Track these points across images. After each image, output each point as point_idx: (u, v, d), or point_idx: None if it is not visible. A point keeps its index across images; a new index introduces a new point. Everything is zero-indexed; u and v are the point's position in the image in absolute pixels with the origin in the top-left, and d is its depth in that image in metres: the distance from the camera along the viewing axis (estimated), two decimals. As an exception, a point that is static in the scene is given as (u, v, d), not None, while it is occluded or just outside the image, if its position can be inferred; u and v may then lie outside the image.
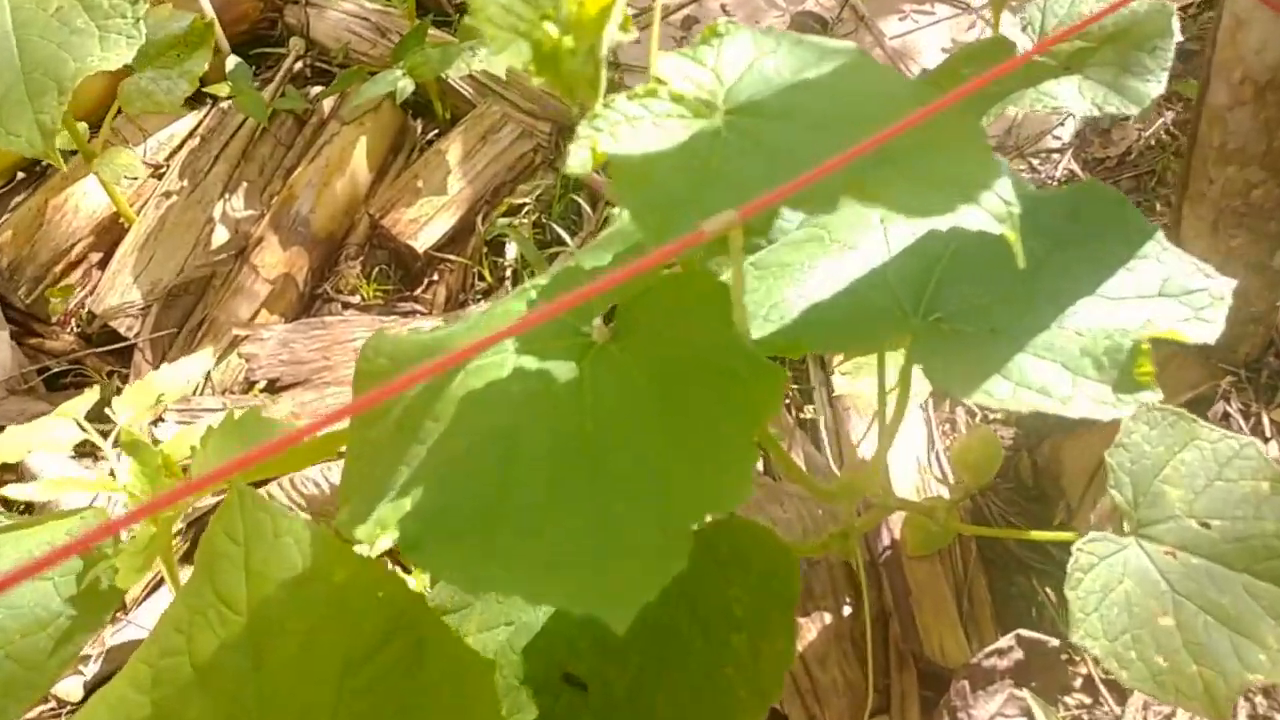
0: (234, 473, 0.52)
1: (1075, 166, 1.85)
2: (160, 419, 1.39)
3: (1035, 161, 1.89)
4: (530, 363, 0.63)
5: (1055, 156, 1.88)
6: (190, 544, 1.25)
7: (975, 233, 0.89)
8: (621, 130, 0.57)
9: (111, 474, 0.98)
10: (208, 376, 1.43)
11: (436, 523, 0.58)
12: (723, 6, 2.24)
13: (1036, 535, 1.07)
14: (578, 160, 0.56)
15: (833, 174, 0.50)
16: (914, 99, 0.59)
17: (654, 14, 0.67)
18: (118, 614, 1.26)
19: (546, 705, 0.80)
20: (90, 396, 1.04)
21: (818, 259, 0.85)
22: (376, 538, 0.59)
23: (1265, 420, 1.43)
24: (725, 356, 0.57)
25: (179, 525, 1.21)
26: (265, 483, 1.29)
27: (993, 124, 1.76)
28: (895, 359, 0.92)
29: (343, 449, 0.77)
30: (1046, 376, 0.72)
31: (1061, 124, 1.86)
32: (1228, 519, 0.96)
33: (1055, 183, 1.83)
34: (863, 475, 0.86)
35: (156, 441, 1.33)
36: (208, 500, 1.21)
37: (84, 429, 0.98)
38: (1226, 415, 1.45)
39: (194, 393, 1.42)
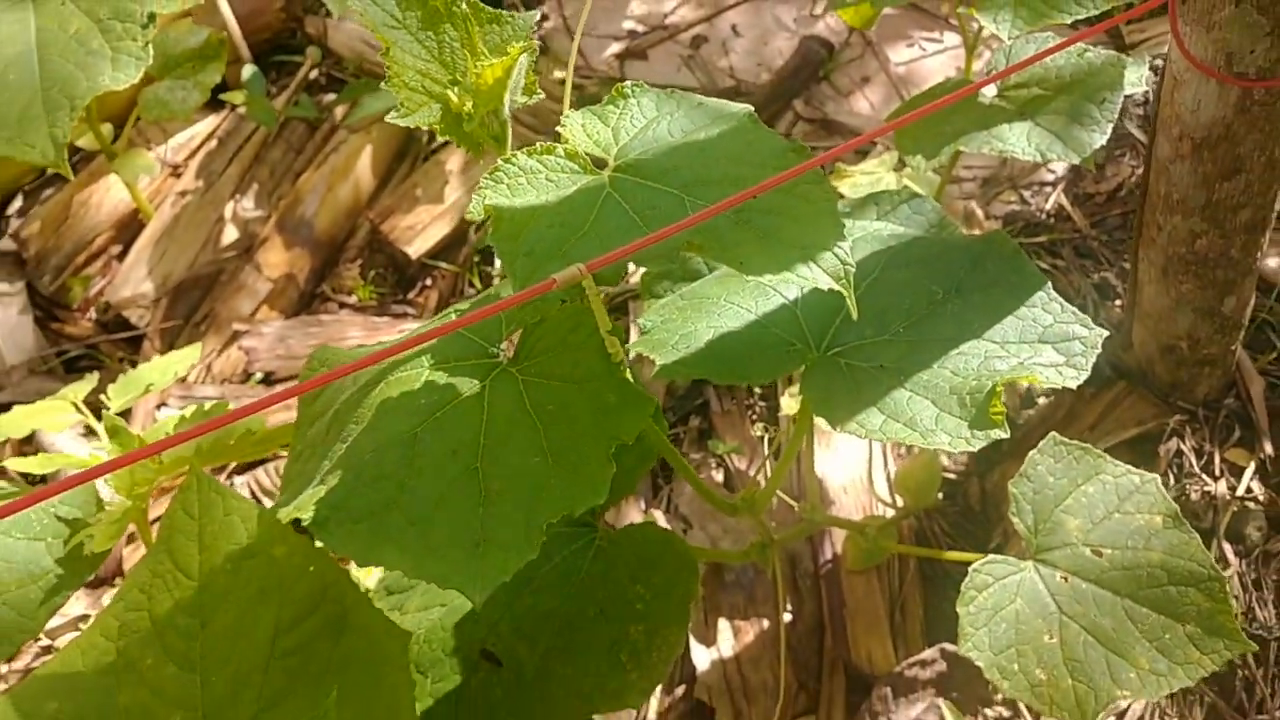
0: (173, 446, 0.62)
1: (1065, 201, 1.89)
2: (164, 404, 1.51)
3: (1027, 194, 1.93)
4: (441, 378, 0.73)
5: (1047, 190, 1.92)
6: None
7: (880, 276, 0.97)
8: (519, 182, 0.66)
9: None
10: (209, 366, 1.54)
11: (341, 508, 0.68)
12: (733, 27, 2.30)
13: (950, 555, 1.14)
14: (475, 208, 0.65)
15: (679, 233, 0.59)
16: (777, 164, 0.68)
17: (568, 73, 0.76)
18: (116, 579, 1.38)
19: (466, 677, 0.90)
20: (89, 382, 1.15)
21: (735, 294, 0.93)
22: (291, 517, 0.69)
23: (1217, 459, 1.48)
24: (599, 387, 0.66)
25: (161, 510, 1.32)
26: (249, 468, 1.40)
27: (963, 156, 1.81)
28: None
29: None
30: (916, 411, 0.80)
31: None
32: (1119, 548, 1.01)
33: (1044, 214, 1.87)
34: (761, 493, 0.94)
35: (156, 423, 1.44)
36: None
37: (81, 412, 1.09)
38: (1180, 453, 1.50)
39: (196, 381, 1.53)
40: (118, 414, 1.14)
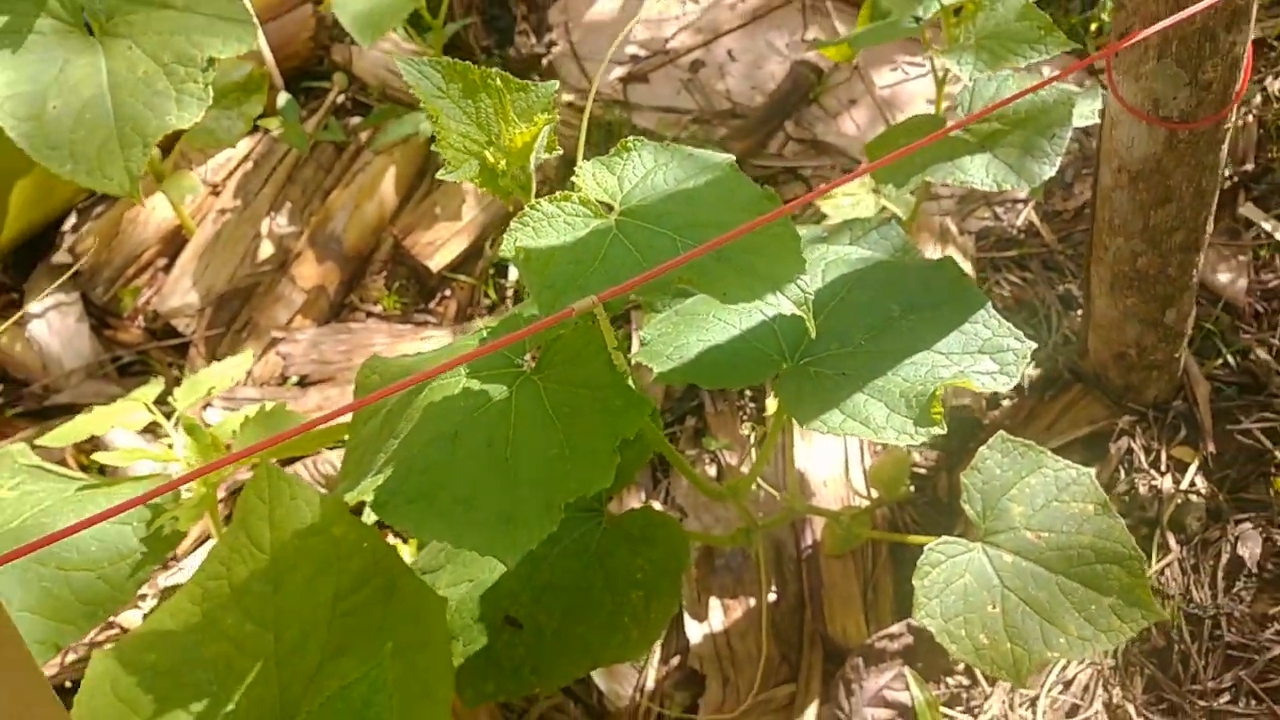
0: (260, 451, 0.77)
1: (1035, 217, 2.01)
2: (209, 405, 1.67)
3: (1000, 210, 2.06)
4: (476, 385, 0.89)
5: (1019, 206, 2.05)
6: (230, 509, 1.52)
7: (846, 296, 1.13)
8: (542, 225, 0.82)
9: (171, 448, 1.24)
10: (249, 372, 1.70)
11: (398, 492, 0.83)
12: (729, 52, 2.45)
13: (915, 539, 1.29)
14: (508, 247, 0.80)
15: (676, 268, 0.75)
16: (752, 210, 0.83)
17: (580, 134, 0.92)
18: (170, 561, 1.54)
19: (492, 639, 1.06)
20: (156, 386, 1.30)
21: (721, 312, 1.09)
22: (357, 500, 0.85)
23: (1163, 456, 1.63)
24: (606, 392, 0.82)
25: (222, 494, 1.48)
26: (293, 461, 1.56)
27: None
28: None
29: (344, 439, 1.03)
30: (870, 412, 0.96)
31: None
32: (1056, 532, 1.15)
33: (1016, 230, 2.01)
34: (744, 480, 1.10)
35: (206, 424, 1.60)
36: (244, 475, 1.48)
37: (152, 412, 1.25)
38: (1130, 450, 1.65)
39: (238, 384, 1.69)
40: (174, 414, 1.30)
